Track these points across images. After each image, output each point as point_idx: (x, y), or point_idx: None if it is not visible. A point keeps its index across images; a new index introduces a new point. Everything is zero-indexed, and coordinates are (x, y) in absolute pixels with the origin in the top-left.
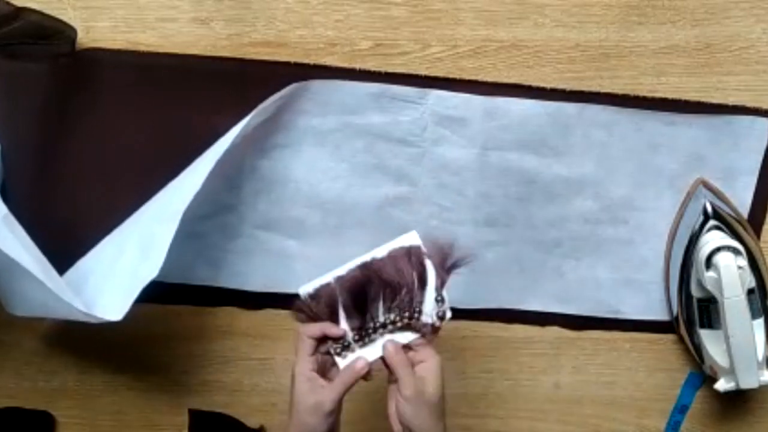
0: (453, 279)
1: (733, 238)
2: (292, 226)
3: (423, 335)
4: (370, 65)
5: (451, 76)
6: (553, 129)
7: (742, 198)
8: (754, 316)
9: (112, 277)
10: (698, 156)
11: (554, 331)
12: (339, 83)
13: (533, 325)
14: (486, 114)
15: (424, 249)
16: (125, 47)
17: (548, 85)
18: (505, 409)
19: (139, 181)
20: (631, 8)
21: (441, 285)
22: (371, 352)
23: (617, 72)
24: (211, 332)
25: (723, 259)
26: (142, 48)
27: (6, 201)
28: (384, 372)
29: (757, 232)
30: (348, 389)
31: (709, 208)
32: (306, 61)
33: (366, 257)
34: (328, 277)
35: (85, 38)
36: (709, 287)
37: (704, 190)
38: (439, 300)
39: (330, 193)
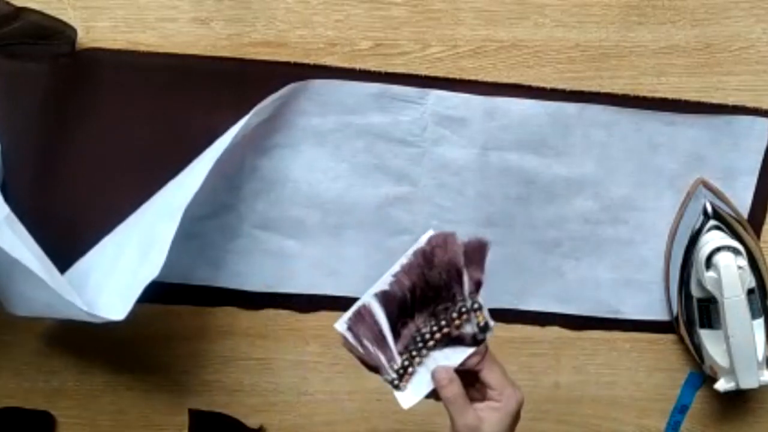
0: None
1: (733, 238)
2: (292, 226)
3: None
4: (370, 65)
5: (451, 76)
6: (553, 129)
7: (742, 198)
8: (754, 316)
9: (113, 277)
10: (698, 156)
11: (554, 331)
12: (339, 83)
13: (533, 325)
14: (486, 114)
15: (456, 244)
16: (125, 47)
17: (548, 85)
18: None
19: (140, 181)
20: (631, 8)
21: (475, 288)
22: (425, 379)
23: (617, 72)
24: (211, 332)
25: (723, 259)
26: (142, 48)
27: (6, 201)
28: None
29: (757, 232)
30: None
31: (709, 208)
32: (306, 61)
33: (395, 267)
34: (361, 300)
35: (85, 38)
36: (709, 287)
37: (704, 190)
38: (476, 307)
39: (330, 193)
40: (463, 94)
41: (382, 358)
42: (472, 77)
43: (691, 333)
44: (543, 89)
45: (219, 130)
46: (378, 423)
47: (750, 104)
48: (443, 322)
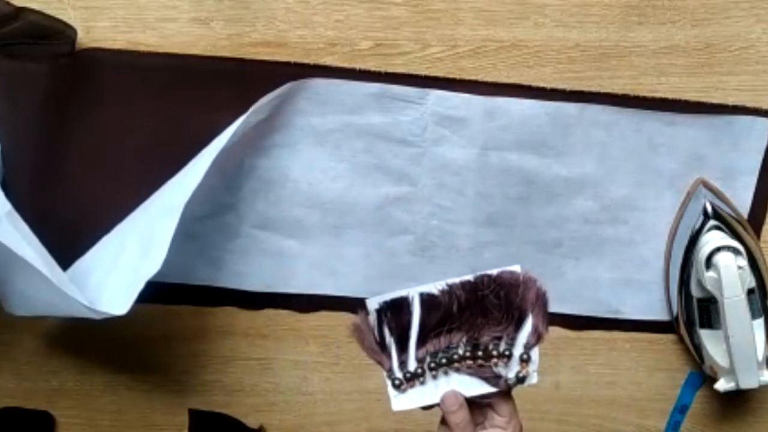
0: (449, 277)
1: (733, 238)
2: (292, 226)
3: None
4: (370, 65)
5: (451, 76)
6: (553, 129)
7: (742, 198)
8: (754, 316)
9: (114, 274)
10: (698, 156)
11: (554, 331)
12: (338, 83)
13: None
14: (486, 114)
15: (533, 289)
16: (125, 47)
17: (548, 85)
18: None
19: (139, 181)
20: (631, 8)
21: (535, 340)
22: (430, 393)
23: (617, 72)
24: (211, 332)
25: (723, 259)
26: (142, 48)
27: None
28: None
29: (757, 232)
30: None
31: (709, 208)
32: (306, 61)
33: (454, 279)
34: (407, 291)
35: (85, 38)
36: (709, 287)
37: (704, 190)
38: (525, 358)
39: (329, 193)
40: (464, 94)
41: (395, 356)
42: (472, 77)
43: (691, 333)
44: (543, 89)
45: (218, 129)
46: (378, 423)
47: (750, 104)
48: (480, 353)
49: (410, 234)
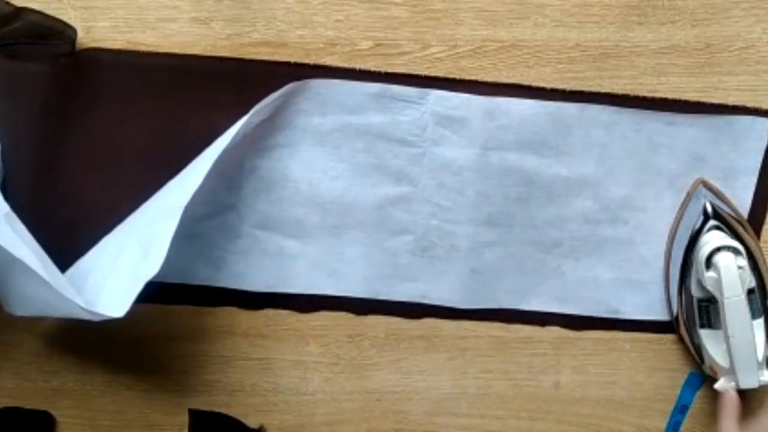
0: (449, 278)
1: (733, 238)
2: (292, 226)
3: None
4: (370, 65)
5: (451, 76)
6: (553, 129)
7: (742, 198)
8: (754, 316)
9: (113, 276)
10: (698, 156)
11: (554, 331)
12: (338, 83)
13: (533, 325)
14: (486, 114)
15: None
16: (125, 47)
17: (548, 85)
18: (505, 409)
19: (139, 181)
20: (631, 8)
21: None
22: None
23: (617, 72)
24: (211, 332)
25: (723, 259)
26: (143, 48)
27: (6, 200)
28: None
29: (757, 232)
30: None
31: (709, 208)
32: (306, 61)
33: None
34: None
35: (85, 38)
36: (709, 287)
37: (704, 190)
38: None
39: (330, 193)
40: (464, 94)
41: None
42: (472, 77)
43: (691, 333)
44: (543, 89)
45: (219, 129)
46: (378, 423)
47: (750, 104)
48: None
49: (410, 234)
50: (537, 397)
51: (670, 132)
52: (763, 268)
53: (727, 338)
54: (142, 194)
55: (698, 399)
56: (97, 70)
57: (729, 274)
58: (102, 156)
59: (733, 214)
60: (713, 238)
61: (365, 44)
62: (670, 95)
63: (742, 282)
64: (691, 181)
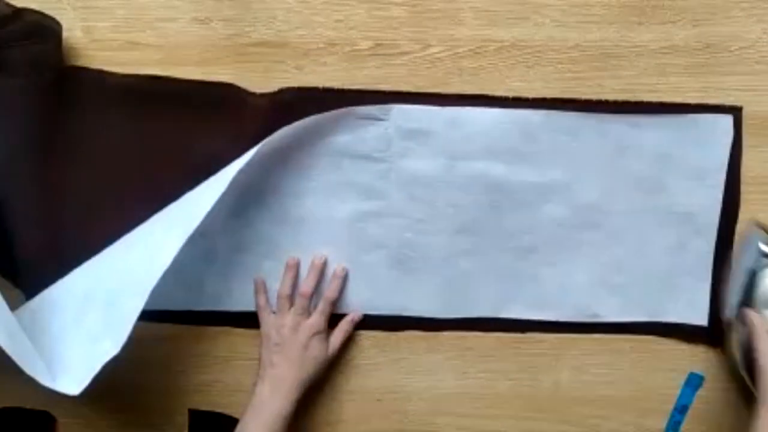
0: (427, 289)
1: None
2: (266, 246)
3: None
4: (371, 65)
5: (450, 76)
6: (518, 136)
7: (713, 196)
8: None
9: (75, 341)
10: (665, 156)
11: (555, 327)
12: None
13: (514, 332)
14: (449, 124)
15: None
16: (125, 47)
17: (512, 94)
18: (505, 409)
19: (122, 205)
20: (631, 8)
21: None
22: None
23: (617, 72)
24: (211, 332)
25: None
26: (142, 47)
27: None
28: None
29: None
30: None
31: (766, 249)
32: (306, 61)
33: None
34: None
35: (85, 38)
36: None
37: (756, 230)
38: None
39: (300, 211)
40: (425, 107)
41: None
42: (472, 77)
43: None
44: (506, 98)
45: (205, 150)
46: (378, 423)
47: (713, 101)
48: None
49: (385, 248)
50: (537, 397)
51: (636, 134)
52: None
53: None
54: (125, 217)
55: (698, 399)
56: (81, 89)
57: None
58: (86, 176)
59: None
60: None
61: (365, 44)
62: (670, 95)
63: None
64: (659, 181)
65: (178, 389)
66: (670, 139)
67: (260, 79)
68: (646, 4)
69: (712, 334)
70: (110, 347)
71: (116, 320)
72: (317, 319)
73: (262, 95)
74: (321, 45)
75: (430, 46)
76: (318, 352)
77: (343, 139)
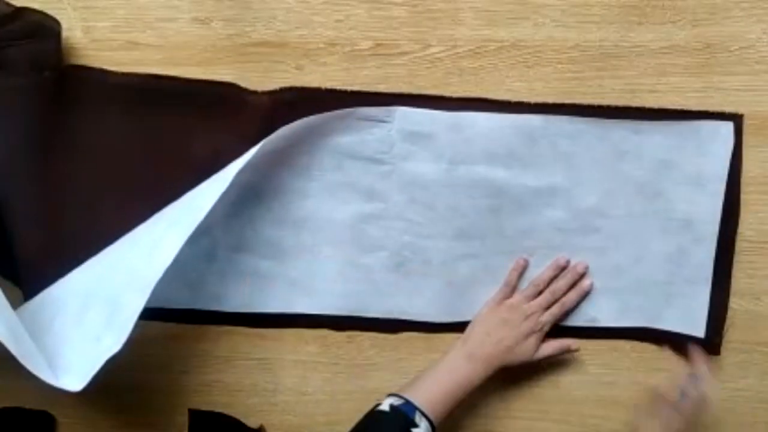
0: (426, 292)
1: None
2: (266, 246)
3: None
4: (371, 65)
5: (450, 76)
6: (519, 140)
7: (712, 203)
8: None
9: (77, 336)
10: (665, 162)
11: (554, 331)
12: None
13: None
14: (451, 128)
15: None
16: (125, 47)
17: (511, 94)
18: (505, 409)
19: (122, 204)
20: (631, 8)
21: None
22: None
23: (617, 72)
24: (211, 332)
25: None
26: (142, 47)
27: None
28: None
29: None
30: None
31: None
32: (306, 61)
33: None
34: None
35: (85, 38)
36: None
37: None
38: None
39: (301, 212)
40: (428, 110)
41: None
42: (472, 77)
43: None
44: (508, 102)
45: (206, 149)
46: None
47: (712, 101)
48: None
49: (384, 250)
50: (537, 397)
51: (636, 139)
52: None
53: None
54: (123, 217)
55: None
56: (81, 89)
57: None
58: (84, 176)
59: None
60: None
61: (365, 44)
62: (670, 95)
63: None
64: (659, 187)
65: (179, 389)
66: (671, 146)
67: (260, 79)
68: (646, 4)
69: (709, 345)
70: (112, 345)
71: (118, 318)
72: (547, 319)
73: (263, 93)
74: (321, 45)
75: (430, 46)
76: (527, 349)
77: (345, 140)
